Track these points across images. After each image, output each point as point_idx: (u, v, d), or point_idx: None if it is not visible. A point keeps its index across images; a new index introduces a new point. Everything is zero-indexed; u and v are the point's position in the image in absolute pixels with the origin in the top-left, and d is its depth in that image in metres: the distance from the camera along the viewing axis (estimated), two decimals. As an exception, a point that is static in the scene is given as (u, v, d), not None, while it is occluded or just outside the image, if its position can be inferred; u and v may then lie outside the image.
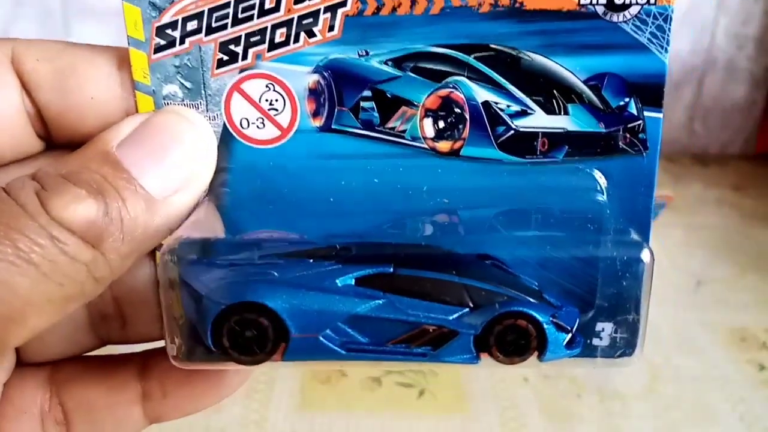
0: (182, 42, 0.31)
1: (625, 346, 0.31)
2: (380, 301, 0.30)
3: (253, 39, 0.31)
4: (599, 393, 0.65)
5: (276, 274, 0.30)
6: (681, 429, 0.60)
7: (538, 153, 0.32)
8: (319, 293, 0.30)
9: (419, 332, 0.30)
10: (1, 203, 0.26)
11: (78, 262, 0.26)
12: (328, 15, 0.31)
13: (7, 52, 0.30)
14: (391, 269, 0.30)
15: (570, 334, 0.30)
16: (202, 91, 0.32)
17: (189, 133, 0.30)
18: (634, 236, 0.31)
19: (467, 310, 0.30)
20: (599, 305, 0.31)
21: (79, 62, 0.30)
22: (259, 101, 0.32)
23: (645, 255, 0.29)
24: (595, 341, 0.32)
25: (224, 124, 0.32)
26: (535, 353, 0.30)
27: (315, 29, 0.31)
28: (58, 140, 0.32)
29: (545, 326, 0.30)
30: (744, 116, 1.13)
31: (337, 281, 0.30)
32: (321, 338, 0.30)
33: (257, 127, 0.32)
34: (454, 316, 0.30)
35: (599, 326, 0.31)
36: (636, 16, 0.30)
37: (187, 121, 0.31)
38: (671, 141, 1.12)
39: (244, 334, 0.30)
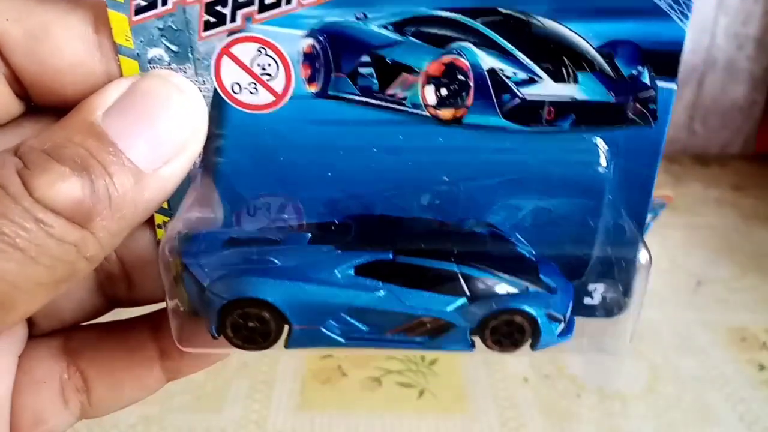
0: (165, 3, 0.29)
1: (615, 305, 0.31)
2: (380, 293, 0.29)
3: (241, 0, 0.29)
4: (599, 393, 0.64)
5: (277, 261, 0.29)
6: (681, 429, 0.60)
7: (543, 122, 0.31)
8: (319, 285, 0.28)
9: (417, 323, 0.29)
10: None
11: (66, 243, 0.25)
12: (325, -27, 0.29)
13: None
14: (391, 256, 0.28)
15: (562, 323, 0.29)
16: (190, 55, 0.30)
17: (176, 99, 0.28)
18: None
19: (465, 300, 0.29)
20: (593, 267, 0.31)
21: (52, 24, 0.28)
22: (251, 66, 0.30)
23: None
24: (587, 300, 0.31)
25: (215, 88, 0.30)
26: (528, 343, 0.30)
27: (310, -12, 0.29)
28: (39, 102, 0.30)
29: (539, 320, 0.29)
30: (744, 116, 1.13)
31: (337, 271, 0.29)
32: (323, 329, 0.29)
33: (250, 92, 0.30)
34: (452, 307, 0.29)
35: (591, 286, 0.31)
36: (656, -23, 0.28)
37: (174, 86, 0.29)
38: (671, 141, 1.12)
39: (248, 325, 0.29)
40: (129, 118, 0.27)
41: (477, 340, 0.29)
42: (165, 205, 0.32)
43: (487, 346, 0.29)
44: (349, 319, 0.28)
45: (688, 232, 0.90)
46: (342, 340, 0.29)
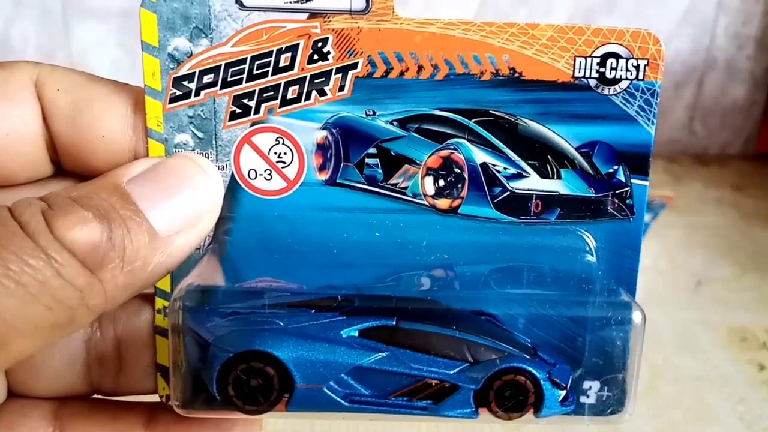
0: (197, 94, 0.32)
1: (614, 404, 0.32)
2: (384, 354, 0.30)
3: (266, 94, 0.33)
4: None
5: (281, 323, 0.30)
6: (681, 429, 0.59)
7: (531, 214, 0.34)
8: (325, 344, 0.30)
9: (421, 386, 0.30)
10: (2, 223, 0.25)
11: (72, 286, 0.25)
12: (340, 75, 0.32)
13: (32, 76, 0.31)
14: (394, 322, 0.30)
15: (565, 391, 0.31)
16: (213, 142, 0.33)
17: (199, 177, 0.31)
18: (625, 297, 0.32)
19: (468, 365, 0.30)
20: (587, 364, 0.32)
21: (97, 99, 0.31)
22: (268, 153, 0.33)
23: (636, 316, 0.31)
24: (583, 399, 0.32)
25: (232, 173, 0.33)
26: (532, 410, 0.31)
27: (326, 88, 0.33)
28: (68, 168, 0.32)
29: (542, 382, 0.30)
30: (744, 116, 1.12)
31: (342, 333, 0.30)
32: (325, 389, 0.30)
33: (264, 178, 0.33)
34: (455, 370, 0.30)
35: (586, 384, 0.32)
36: (626, 90, 0.33)
37: (199, 166, 0.31)
38: (671, 141, 1.11)
39: (250, 383, 0.30)
40: (153, 187, 0.29)
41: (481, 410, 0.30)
42: (168, 288, 0.34)
43: (492, 412, 0.30)
44: (351, 380, 0.29)
45: (688, 232, 0.89)
46: (344, 404, 0.29)
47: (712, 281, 0.80)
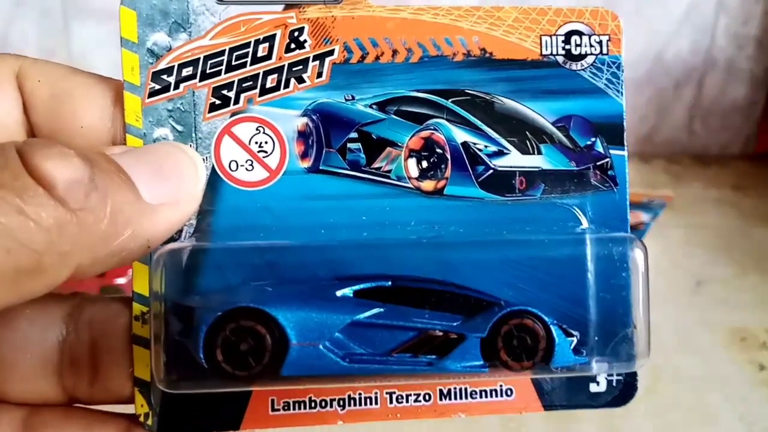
0: (177, 87, 0.33)
1: (625, 389, 0.32)
2: (381, 309, 0.29)
3: (245, 84, 0.33)
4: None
5: (271, 290, 0.29)
6: (681, 429, 0.59)
7: (517, 191, 0.34)
8: (319, 301, 0.28)
9: (424, 339, 0.28)
10: None
11: (37, 225, 0.22)
12: (317, 63, 0.33)
13: (14, 67, 0.31)
14: (390, 283, 0.29)
15: (576, 339, 0.29)
16: (193, 134, 0.33)
17: (184, 159, 0.31)
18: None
19: (471, 314, 0.29)
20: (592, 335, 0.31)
21: (77, 90, 0.31)
22: (249, 143, 0.33)
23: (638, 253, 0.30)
24: (593, 387, 0.33)
25: (213, 166, 0.33)
26: (544, 360, 0.29)
27: (304, 75, 0.33)
28: None
29: (551, 326, 0.29)
30: (744, 116, 1.11)
31: (336, 293, 0.29)
32: (321, 348, 0.28)
33: (246, 169, 0.33)
34: (459, 322, 0.29)
35: (595, 367, 0.31)
36: (592, 64, 0.34)
37: (182, 149, 0.31)
38: (671, 141, 1.10)
39: (240, 345, 0.28)
40: (138, 159, 0.28)
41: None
42: (146, 292, 0.32)
43: (502, 363, 0.28)
44: (350, 339, 0.28)
45: (688, 232, 0.89)
46: (343, 363, 0.28)
47: (712, 281, 0.81)
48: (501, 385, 0.33)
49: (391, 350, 0.28)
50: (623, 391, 0.34)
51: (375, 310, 0.28)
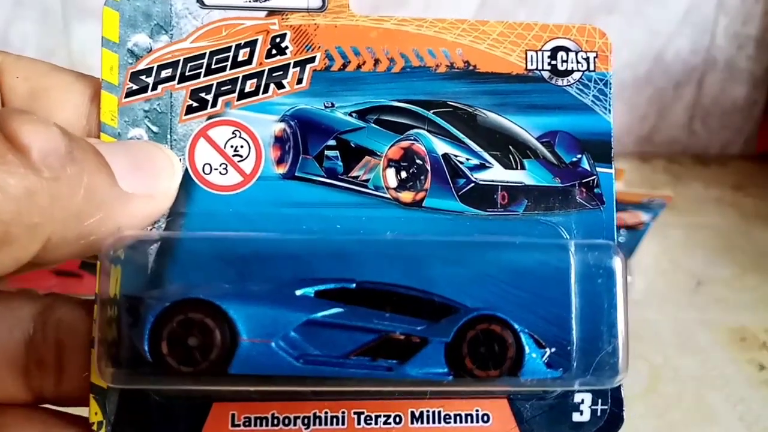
0: (155, 88, 0.32)
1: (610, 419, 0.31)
2: (341, 310, 0.27)
3: (224, 88, 0.33)
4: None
5: (227, 286, 0.28)
6: (681, 429, 0.59)
7: (498, 206, 0.33)
8: (276, 297, 0.27)
9: (385, 342, 0.27)
10: None
11: (5, 192, 0.22)
12: (298, 69, 0.33)
13: None
14: (354, 285, 0.28)
15: (548, 350, 0.28)
16: (168, 136, 0.32)
17: (161, 155, 0.30)
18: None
19: (435, 319, 0.27)
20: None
21: (54, 88, 0.31)
22: (224, 147, 0.32)
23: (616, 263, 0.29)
24: (576, 417, 0.31)
25: (186, 169, 0.32)
26: (512, 369, 0.27)
27: (284, 81, 0.33)
28: None
29: (521, 335, 0.27)
30: (744, 116, 1.10)
31: (296, 292, 0.27)
32: (273, 345, 0.26)
33: (220, 173, 0.32)
34: (423, 326, 0.27)
35: (578, 397, 0.30)
36: (579, 80, 0.34)
37: (161, 148, 0.31)
38: (671, 141, 1.08)
39: (187, 339, 0.26)
40: (115, 150, 0.28)
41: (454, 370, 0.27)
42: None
43: (467, 372, 0.26)
44: (305, 338, 0.26)
45: (688, 232, 0.89)
46: (297, 364, 0.26)
47: (712, 281, 0.80)
48: (477, 410, 0.31)
49: (349, 353, 0.26)
50: (608, 422, 0.32)
51: (334, 310, 0.27)
